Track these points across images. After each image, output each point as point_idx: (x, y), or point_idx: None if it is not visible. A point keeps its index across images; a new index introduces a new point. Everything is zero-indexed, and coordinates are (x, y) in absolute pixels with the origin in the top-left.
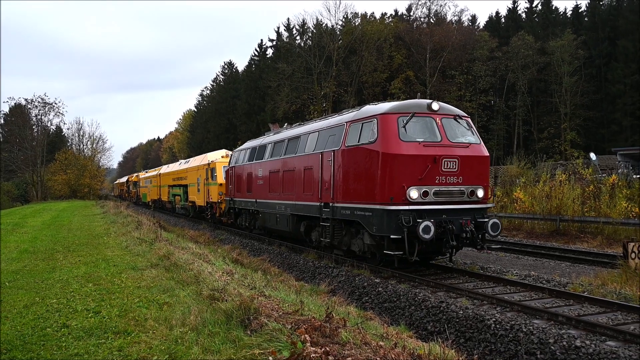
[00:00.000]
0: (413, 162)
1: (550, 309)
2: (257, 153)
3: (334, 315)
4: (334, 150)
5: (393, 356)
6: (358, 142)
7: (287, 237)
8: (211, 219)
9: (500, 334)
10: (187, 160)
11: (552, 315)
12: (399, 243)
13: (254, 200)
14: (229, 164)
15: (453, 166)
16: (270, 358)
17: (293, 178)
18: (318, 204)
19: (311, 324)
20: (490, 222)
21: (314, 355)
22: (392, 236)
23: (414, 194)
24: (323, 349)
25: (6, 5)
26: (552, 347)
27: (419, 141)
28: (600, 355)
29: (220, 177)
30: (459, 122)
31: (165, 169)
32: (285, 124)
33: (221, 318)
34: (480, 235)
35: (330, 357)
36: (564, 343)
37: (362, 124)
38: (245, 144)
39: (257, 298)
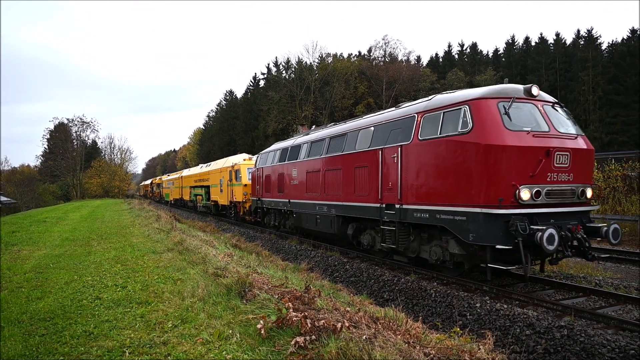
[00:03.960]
0: (523, 155)
1: None
2: (289, 154)
3: (312, 287)
4: (400, 146)
5: (357, 318)
6: (439, 134)
7: (327, 239)
8: (234, 218)
9: None
10: (208, 164)
11: None
12: (505, 254)
13: (287, 200)
14: (254, 166)
15: (565, 161)
16: (261, 321)
17: (339, 178)
18: (377, 205)
19: (293, 295)
20: (611, 227)
21: (295, 318)
22: (498, 246)
23: (525, 194)
24: (302, 314)
25: (44, 43)
26: None
27: (526, 130)
28: None
29: (245, 178)
30: (557, 110)
31: (186, 172)
32: (314, 126)
33: (223, 291)
34: (588, 243)
35: (308, 320)
36: None
37: (443, 113)
38: (273, 145)
39: (251, 275)
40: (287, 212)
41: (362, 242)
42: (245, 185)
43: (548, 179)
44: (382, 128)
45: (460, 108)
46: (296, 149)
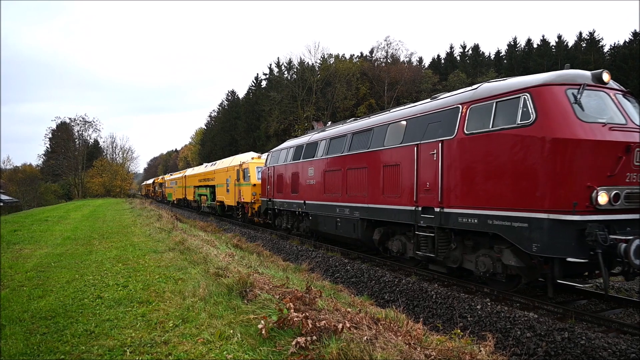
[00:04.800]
0: (600, 151)
1: None
2: (304, 151)
3: (313, 288)
4: (441, 141)
5: (358, 319)
6: (491, 127)
7: (349, 244)
8: (242, 219)
9: None
10: (214, 163)
11: None
12: (575, 268)
13: (301, 201)
14: (264, 164)
15: None
16: (262, 321)
17: (364, 177)
18: (411, 208)
19: (294, 295)
20: None
21: (296, 319)
22: (569, 259)
23: (602, 198)
24: (304, 314)
25: (48, 45)
26: None
27: (601, 122)
28: None
29: (254, 178)
30: (629, 100)
31: (190, 171)
32: (329, 122)
33: (224, 290)
34: None
35: (309, 320)
36: None
37: (496, 103)
38: (286, 143)
39: (253, 275)
40: (302, 214)
41: (391, 249)
42: (254, 185)
43: (627, 180)
44: (417, 122)
45: (519, 97)
46: (313, 146)
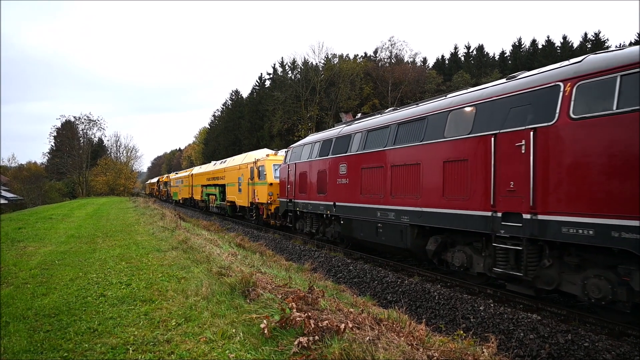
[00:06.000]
0: None
1: None
2: (334, 146)
3: (315, 287)
4: (533, 129)
5: (360, 319)
6: (615, 109)
7: (392, 253)
8: (256, 221)
9: None
10: (224, 160)
11: None
12: None
13: (330, 203)
14: (284, 161)
15: None
16: (265, 321)
17: (416, 175)
18: (486, 214)
19: (297, 295)
20: None
21: (298, 319)
22: None
23: None
24: (306, 314)
25: (52, 46)
26: None
27: None
28: None
29: (270, 177)
30: None
31: (197, 169)
32: (359, 114)
33: (226, 290)
34: None
35: (311, 320)
36: None
37: (620, 77)
38: (309, 137)
39: (255, 274)
40: (330, 217)
41: (452, 263)
42: (271, 184)
43: None
44: (492, 106)
45: None
46: (344, 139)
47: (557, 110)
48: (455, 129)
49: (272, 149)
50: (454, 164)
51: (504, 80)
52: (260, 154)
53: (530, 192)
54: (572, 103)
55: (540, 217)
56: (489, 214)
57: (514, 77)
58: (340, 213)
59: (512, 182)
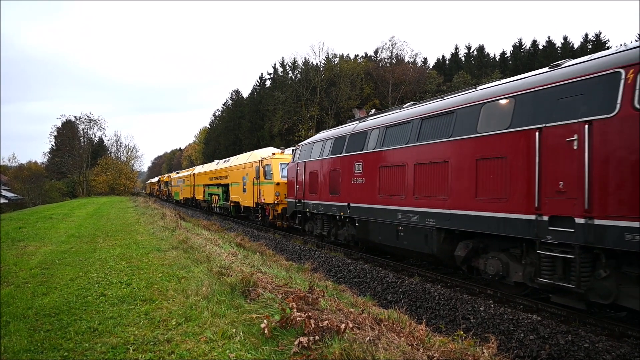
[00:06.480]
0: None
1: None
2: (348, 143)
3: (315, 287)
4: (588, 122)
5: (361, 319)
6: None
7: (414, 257)
8: (261, 222)
9: None
10: (227, 159)
11: None
12: None
13: (344, 204)
14: (292, 160)
15: None
16: (265, 321)
17: (443, 174)
18: (529, 217)
19: (297, 295)
20: None
21: (299, 318)
22: None
23: None
24: (306, 314)
25: (52, 46)
26: None
27: None
28: None
29: (277, 176)
30: None
31: (199, 168)
32: (373, 109)
33: (227, 289)
34: None
35: (312, 320)
36: None
37: None
38: (320, 134)
39: (255, 274)
40: (344, 219)
41: (485, 270)
42: (278, 184)
43: None
44: (535, 97)
45: None
46: (359, 136)
47: (619, 101)
48: (490, 124)
49: (279, 148)
50: (489, 162)
51: (545, 69)
52: (266, 152)
53: (585, 194)
54: (636, 92)
55: (597, 221)
56: (533, 217)
57: (559, 65)
58: (355, 215)
59: (561, 182)
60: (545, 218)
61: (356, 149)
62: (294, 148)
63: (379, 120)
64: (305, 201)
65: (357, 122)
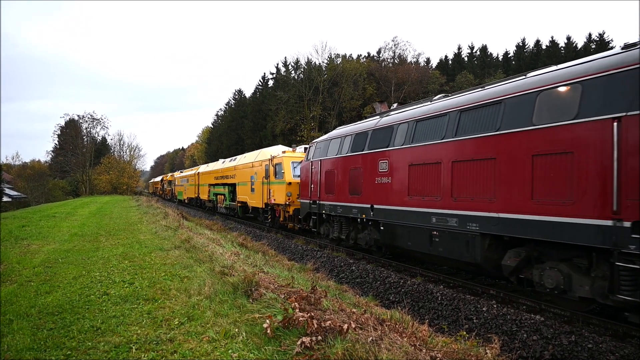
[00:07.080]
0: None
1: None
2: (370, 139)
3: (318, 287)
4: None
5: (363, 320)
6: None
7: (447, 265)
8: (271, 224)
9: None
10: (234, 157)
11: None
12: None
13: (367, 205)
14: (305, 158)
15: None
16: (268, 321)
17: (489, 173)
18: (604, 222)
19: (300, 295)
20: None
21: (301, 319)
22: None
23: None
24: (309, 314)
25: (54, 45)
26: None
27: None
28: None
29: (289, 175)
30: None
31: (204, 167)
32: (395, 104)
33: (229, 289)
34: None
35: (314, 320)
36: None
37: None
38: (337, 130)
39: (258, 274)
40: (366, 221)
41: (541, 283)
42: (289, 183)
43: None
44: (608, 82)
45: None
46: (384, 132)
47: None
48: (549, 114)
49: (290, 146)
50: (549, 158)
51: (617, 50)
52: (276, 150)
53: None
54: None
55: None
56: (610, 223)
57: (634, 45)
58: (379, 217)
59: None
60: (627, 224)
61: (380, 146)
62: (306, 146)
63: (406, 113)
64: (321, 202)
65: (379, 117)
